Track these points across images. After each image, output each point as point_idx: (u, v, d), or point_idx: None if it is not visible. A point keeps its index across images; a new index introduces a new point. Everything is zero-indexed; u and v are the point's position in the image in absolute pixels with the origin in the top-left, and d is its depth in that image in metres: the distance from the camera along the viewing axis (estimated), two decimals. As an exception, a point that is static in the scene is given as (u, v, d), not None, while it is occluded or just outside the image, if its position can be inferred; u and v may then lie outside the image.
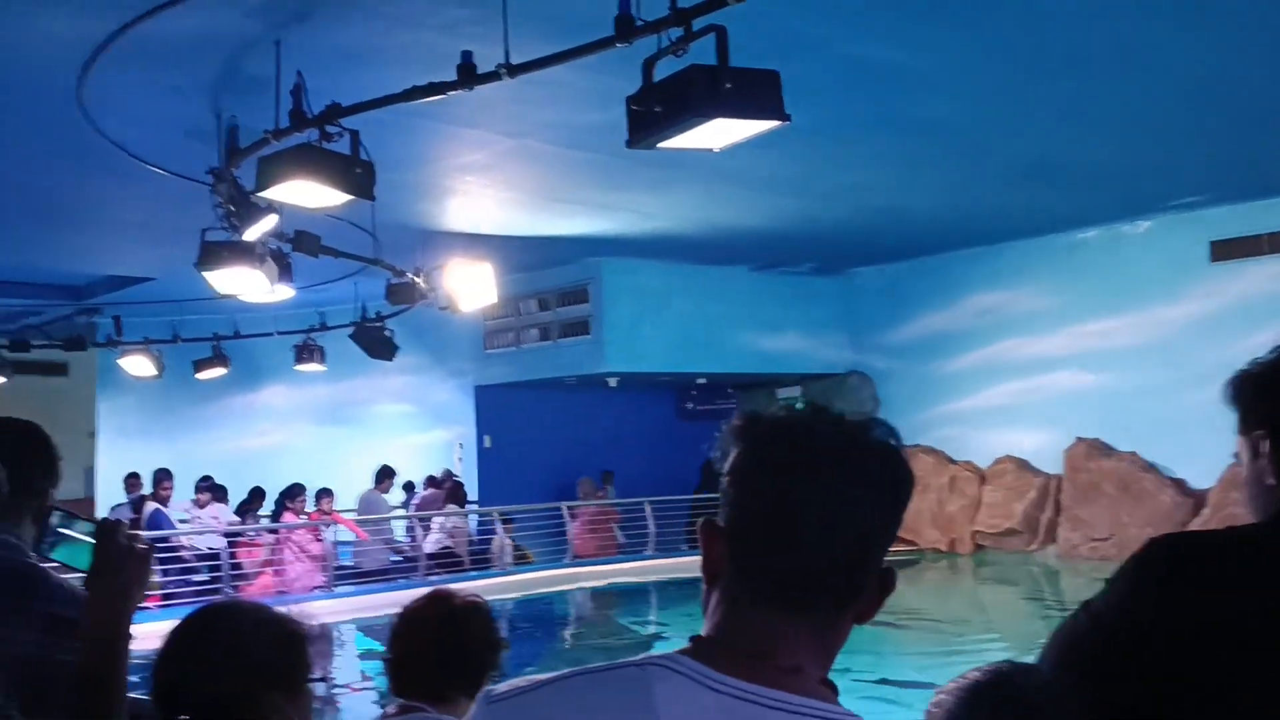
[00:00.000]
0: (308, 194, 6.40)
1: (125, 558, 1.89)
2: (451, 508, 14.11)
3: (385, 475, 14.16)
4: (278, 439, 17.99)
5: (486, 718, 1.13)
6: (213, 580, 11.48)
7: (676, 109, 5.05)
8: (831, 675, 1.15)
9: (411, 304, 12.30)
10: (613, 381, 15.65)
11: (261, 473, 14.92)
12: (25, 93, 7.83)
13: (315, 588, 12.15)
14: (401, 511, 14.49)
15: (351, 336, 13.96)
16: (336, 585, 12.30)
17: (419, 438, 17.50)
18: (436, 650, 2.04)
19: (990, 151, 10.47)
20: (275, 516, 13.02)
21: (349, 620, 11.13)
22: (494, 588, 12.01)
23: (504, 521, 14.36)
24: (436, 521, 14.01)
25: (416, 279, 11.83)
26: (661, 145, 5.31)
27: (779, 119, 5.16)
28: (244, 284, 8.65)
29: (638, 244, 13.83)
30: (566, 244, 13.71)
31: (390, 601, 12.07)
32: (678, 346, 15.39)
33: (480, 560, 14.02)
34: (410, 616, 2.16)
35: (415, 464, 16.58)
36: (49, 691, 1.97)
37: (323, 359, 15.23)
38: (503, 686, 1.15)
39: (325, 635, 2.00)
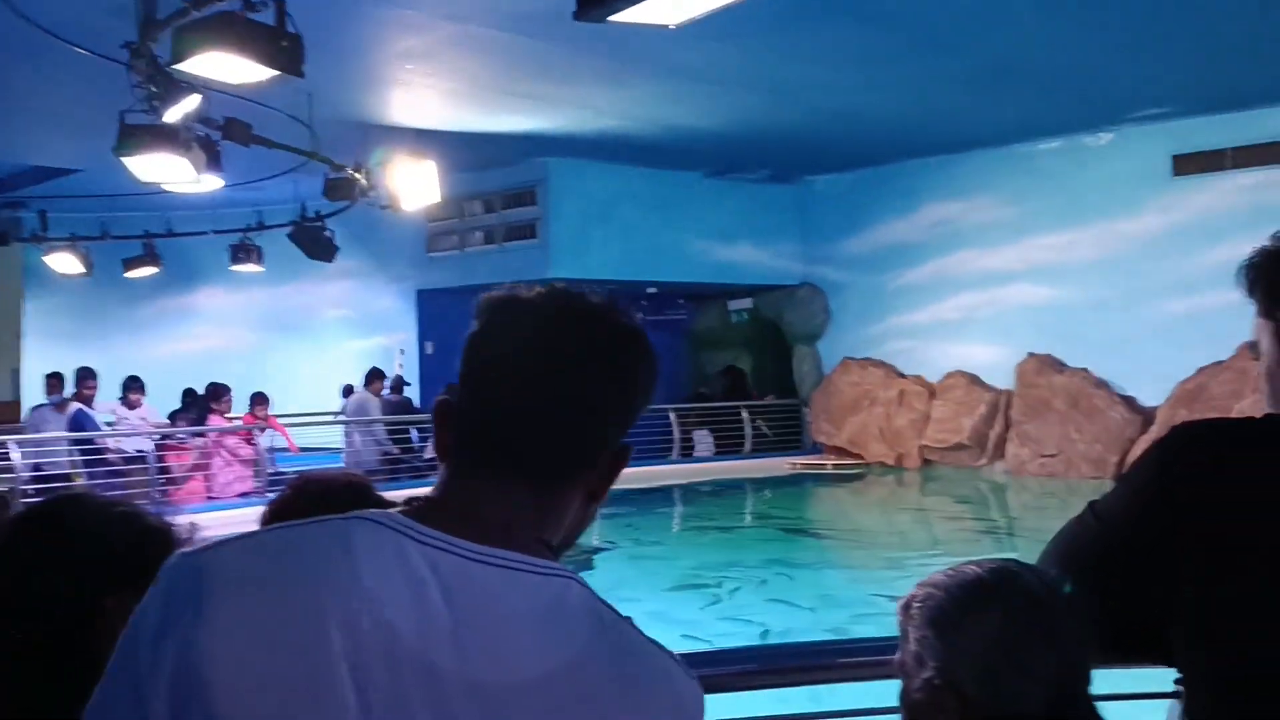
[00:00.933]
0: (229, 68, 5.92)
1: None
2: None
3: (375, 377, 13.73)
4: (215, 342, 17.50)
5: (176, 568, 1.06)
6: (141, 484, 11.07)
7: (629, -24, 4.65)
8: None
9: (351, 200, 11.86)
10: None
11: (199, 377, 14.44)
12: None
13: (245, 493, 11.80)
14: (394, 416, 14.02)
15: (290, 236, 13.52)
16: (270, 490, 11.96)
17: (359, 343, 17.08)
18: None
19: (954, 51, 10.13)
20: (200, 419, 12.56)
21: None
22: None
23: None
24: None
25: (356, 174, 11.36)
26: (613, 19, 4.89)
27: (741, -10, 4.77)
28: (167, 171, 8.14)
29: (588, 144, 13.37)
30: (513, 142, 13.22)
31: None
32: (628, 254, 15.02)
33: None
34: (277, 511, 1.82)
35: (356, 370, 16.18)
36: None
37: (260, 259, 14.75)
38: (213, 541, 1.10)
39: (196, 538, 1.69)
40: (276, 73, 5.93)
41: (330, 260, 13.77)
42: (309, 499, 1.81)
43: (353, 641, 0.97)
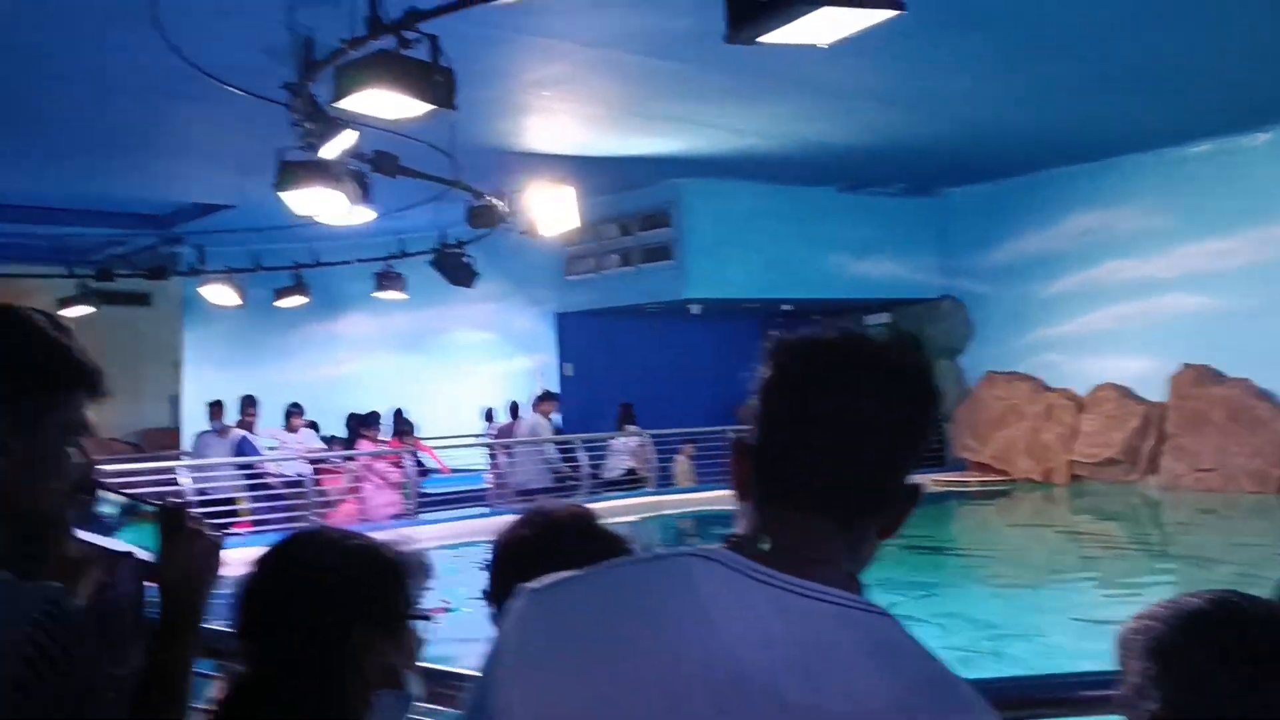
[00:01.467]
0: (386, 104, 6.11)
1: (194, 545, 1.67)
2: (631, 429, 14.09)
3: (547, 398, 14.01)
4: (359, 367, 18.00)
5: (527, 608, 1.15)
6: (299, 507, 11.46)
7: (781, -2, 4.65)
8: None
9: (492, 228, 12.06)
10: (695, 309, 15.29)
11: (345, 401, 14.92)
12: (101, 14, 7.64)
13: (396, 515, 12.11)
14: (565, 436, 14.31)
15: (431, 263, 13.81)
16: (421, 512, 12.26)
17: (500, 365, 17.37)
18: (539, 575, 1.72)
19: (1098, 58, 9.86)
20: (350, 444, 12.97)
21: (437, 545, 11.04)
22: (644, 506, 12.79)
23: (686, 442, 14.48)
24: (618, 443, 14.01)
25: (497, 202, 11.57)
26: (763, 39, 4.89)
27: (893, 8, 4.73)
28: (322, 205, 8.44)
29: (722, 164, 13.39)
30: (648, 164, 13.33)
31: (488, 527, 12.16)
32: (762, 272, 14.98)
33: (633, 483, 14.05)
34: (505, 543, 1.86)
35: (497, 392, 16.48)
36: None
37: (403, 286, 15.11)
38: (544, 578, 1.17)
39: (426, 567, 1.74)
40: (431, 107, 6.11)
41: (470, 285, 14.01)
42: (537, 530, 1.85)
43: (712, 677, 1.03)
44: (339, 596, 1.64)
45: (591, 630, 1.09)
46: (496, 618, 1.83)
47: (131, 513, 1.75)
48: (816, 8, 4.60)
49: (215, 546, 1.72)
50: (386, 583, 1.70)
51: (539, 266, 16.19)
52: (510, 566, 1.79)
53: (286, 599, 1.64)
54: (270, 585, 1.67)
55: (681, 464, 14.71)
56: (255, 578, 1.69)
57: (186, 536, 1.66)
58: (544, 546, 1.78)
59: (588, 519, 1.88)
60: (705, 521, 13.50)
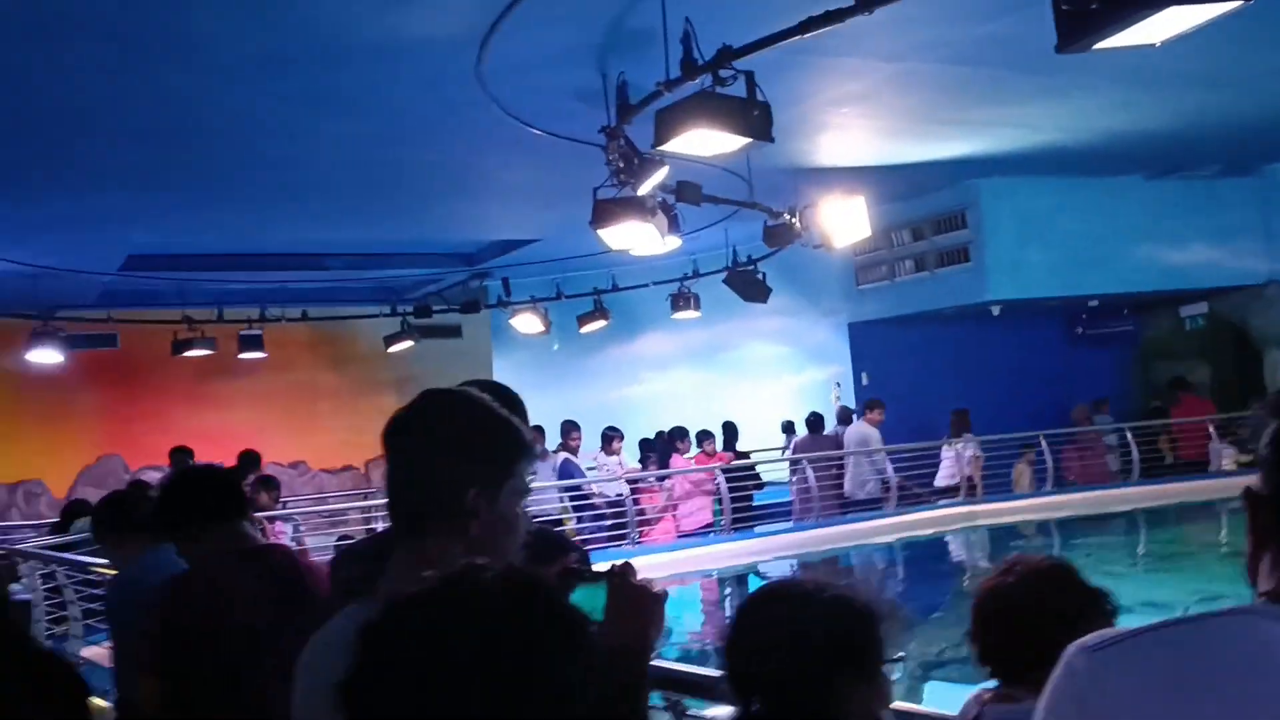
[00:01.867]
0: (707, 142, 6.35)
1: (642, 601, 1.81)
2: (968, 436, 14.11)
3: (874, 406, 14.11)
4: (658, 386, 18.52)
5: (1091, 666, 1.14)
6: (620, 525, 11.94)
7: (1118, 3, 4.54)
8: None
9: (787, 245, 12.19)
10: (995, 310, 14.86)
11: (645, 419, 15.42)
12: (430, 76, 8.29)
13: (707, 525, 12.41)
14: (891, 445, 14.41)
15: (725, 281, 14.06)
16: (736, 526, 12.50)
17: (794, 378, 17.47)
18: (1024, 627, 1.82)
19: None
20: (663, 461, 13.37)
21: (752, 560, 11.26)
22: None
23: (1025, 448, 14.42)
24: (950, 453, 14.09)
25: (791, 219, 11.69)
26: (1098, 46, 4.79)
27: (1240, -3, 4.53)
28: (636, 238, 8.80)
29: (1019, 161, 12.97)
30: (940, 168, 13.07)
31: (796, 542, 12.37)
32: (1066, 267, 14.40)
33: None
34: (989, 591, 1.96)
35: (792, 405, 16.57)
36: None
37: (697, 305, 15.46)
38: (1094, 637, 1.17)
39: (895, 614, 1.86)
40: (749, 140, 6.30)
41: (764, 301, 14.16)
42: (1019, 578, 1.95)
43: None
44: (821, 647, 1.77)
45: (1170, 689, 1.11)
46: (982, 659, 1.94)
47: (581, 576, 1.92)
48: (1159, 10, 4.47)
49: (659, 602, 1.88)
50: (863, 630, 1.82)
51: (829, 277, 16.17)
52: (994, 613, 1.89)
53: (770, 653, 1.78)
54: (753, 639, 1.82)
55: (1021, 470, 14.45)
56: (737, 632, 1.85)
57: (633, 596, 1.80)
58: (1027, 595, 1.87)
59: (1067, 570, 1.96)
60: (1041, 530, 13.19)
